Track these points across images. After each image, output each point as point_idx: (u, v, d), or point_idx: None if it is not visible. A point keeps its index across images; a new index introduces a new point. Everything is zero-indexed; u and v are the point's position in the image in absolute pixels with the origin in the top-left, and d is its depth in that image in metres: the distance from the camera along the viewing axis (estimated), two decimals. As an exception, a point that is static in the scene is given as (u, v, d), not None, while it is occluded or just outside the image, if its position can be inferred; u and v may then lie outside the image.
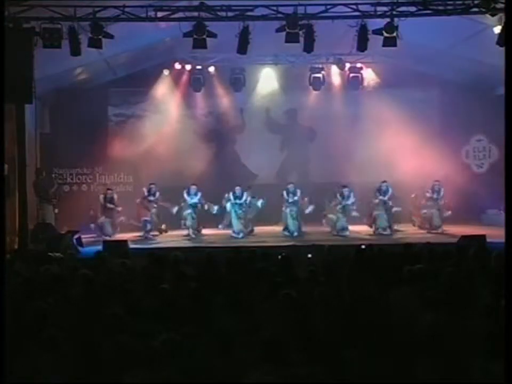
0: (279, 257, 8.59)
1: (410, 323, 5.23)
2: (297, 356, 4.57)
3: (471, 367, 4.35)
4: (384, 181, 15.82)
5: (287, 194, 15.69)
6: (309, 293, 6.05)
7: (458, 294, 6.05)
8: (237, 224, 15.60)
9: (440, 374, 4.35)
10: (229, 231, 15.71)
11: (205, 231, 15.93)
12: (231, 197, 15.68)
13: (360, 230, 15.70)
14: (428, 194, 15.91)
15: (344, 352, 4.60)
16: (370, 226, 15.85)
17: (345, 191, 15.61)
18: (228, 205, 15.70)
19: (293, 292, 5.89)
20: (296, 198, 15.66)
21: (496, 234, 11.78)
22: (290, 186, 15.78)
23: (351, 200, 15.57)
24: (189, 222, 15.50)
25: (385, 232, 15.44)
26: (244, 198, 15.74)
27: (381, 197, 15.63)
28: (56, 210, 15.19)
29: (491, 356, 4.39)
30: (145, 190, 15.86)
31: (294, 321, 5.15)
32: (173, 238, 15.13)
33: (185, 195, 15.66)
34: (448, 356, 4.42)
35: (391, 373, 4.38)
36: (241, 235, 15.46)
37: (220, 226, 16.15)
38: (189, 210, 15.52)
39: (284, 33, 12.30)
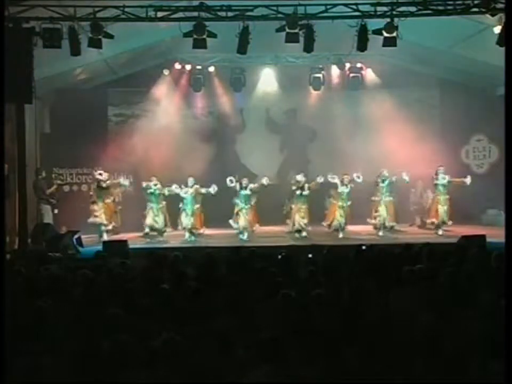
0: (279, 257, 8.60)
1: (410, 323, 5.22)
2: (297, 356, 4.57)
3: (471, 367, 4.35)
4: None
5: (297, 188, 15.06)
6: (309, 293, 6.05)
7: (458, 294, 6.05)
8: (243, 220, 14.97)
9: (440, 374, 4.35)
10: (232, 231, 15.31)
11: (206, 231, 15.75)
12: (237, 187, 15.05)
13: (360, 230, 15.67)
14: (435, 182, 15.38)
15: (344, 352, 4.60)
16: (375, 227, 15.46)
17: (346, 177, 15.14)
18: (236, 198, 15.12)
19: (293, 292, 5.90)
20: (306, 192, 15.06)
21: (496, 234, 11.79)
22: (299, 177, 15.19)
23: (349, 188, 15.13)
24: (185, 220, 14.92)
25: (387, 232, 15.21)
26: (250, 187, 15.03)
27: (381, 184, 15.33)
28: (56, 211, 15.16)
29: (491, 356, 4.39)
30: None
31: (293, 321, 5.15)
32: (173, 238, 15.09)
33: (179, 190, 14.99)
34: (447, 355, 4.42)
35: (391, 373, 4.38)
36: (246, 235, 14.91)
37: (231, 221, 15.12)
38: (186, 205, 14.98)
39: (284, 33, 12.31)
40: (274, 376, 4.22)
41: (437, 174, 15.39)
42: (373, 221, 15.48)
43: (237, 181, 15.22)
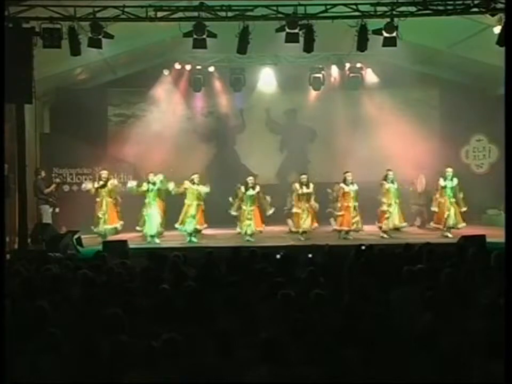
0: (277, 256, 8.60)
1: (410, 323, 5.23)
2: (297, 356, 4.57)
3: (471, 367, 4.35)
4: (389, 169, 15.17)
5: (300, 186, 14.70)
6: (308, 293, 6.05)
7: (458, 294, 6.05)
8: (249, 224, 14.64)
9: (440, 374, 4.35)
10: (232, 231, 15.19)
11: (206, 231, 15.70)
12: (243, 189, 14.75)
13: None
14: (444, 184, 14.88)
15: (344, 352, 4.60)
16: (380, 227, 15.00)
17: (348, 176, 14.80)
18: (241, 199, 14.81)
19: (292, 292, 5.90)
20: (309, 190, 14.73)
21: (496, 234, 11.79)
22: (303, 177, 14.84)
23: (356, 187, 14.79)
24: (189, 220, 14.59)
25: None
26: (257, 189, 14.74)
27: (391, 185, 14.93)
28: (57, 210, 15.16)
29: (491, 355, 4.40)
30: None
31: (293, 321, 5.15)
32: (173, 238, 15.07)
33: (188, 183, 14.62)
34: (447, 356, 4.41)
35: (391, 373, 4.38)
36: (253, 238, 14.54)
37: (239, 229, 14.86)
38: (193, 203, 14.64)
39: (284, 33, 12.31)
40: (274, 376, 4.22)
41: (444, 175, 14.97)
42: (384, 223, 15.05)
43: (241, 185, 14.98)
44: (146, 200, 14.88)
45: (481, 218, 17.21)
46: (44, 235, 12.96)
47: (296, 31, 12.22)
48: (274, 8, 12.21)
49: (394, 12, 12.23)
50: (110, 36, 12.26)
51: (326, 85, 18.06)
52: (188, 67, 17.70)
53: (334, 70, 18.23)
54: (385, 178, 15.04)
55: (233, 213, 15.08)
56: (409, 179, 16.72)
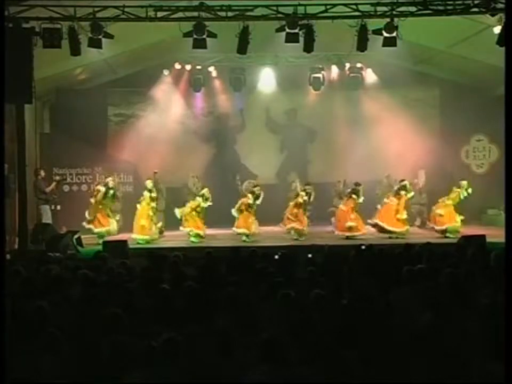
0: (276, 257, 8.60)
1: (410, 323, 5.23)
2: (297, 356, 4.57)
3: (471, 367, 4.35)
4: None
5: (307, 196, 14.87)
6: (308, 293, 6.05)
7: (458, 294, 6.05)
8: (254, 224, 14.80)
9: (440, 374, 4.35)
10: (231, 231, 15.19)
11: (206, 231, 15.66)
12: (251, 198, 14.73)
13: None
14: (464, 194, 14.89)
15: (344, 352, 4.60)
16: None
17: (360, 189, 14.94)
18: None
19: (292, 292, 5.90)
20: (311, 199, 14.99)
21: (496, 234, 11.81)
22: (308, 187, 15.07)
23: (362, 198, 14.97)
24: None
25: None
26: (262, 197, 14.87)
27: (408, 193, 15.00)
28: (59, 207, 15.17)
29: (491, 355, 4.39)
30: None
31: (293, 321, 5.15)
32: (173, 238, 15.07)
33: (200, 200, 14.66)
34: (447, 356, 4.41)
35: (391, 373, 4.38)
36: (249, 239, 14.61)
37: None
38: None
39: (284, 33, 12.32)
40: (274, 376, 4.22)
41: (460, 187, 14.96)
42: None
43: (242, 182, 15.04)
44: (143, 205, 14.80)
45: (481, 218, 17.23)
46: (43, 235, 12.96)
47: (296, 31, 12.22)
48: (274, 8, 12.22)
49: (394, 12, 12.24)
50: (110, 36, 12.27)
51: (326, 85, 18.07)
52: (188, 67, 17.70)
53: (334, 70, 18.24)
54: (404, 188, 14.99)
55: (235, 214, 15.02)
56: (410, 179, 16.71)
